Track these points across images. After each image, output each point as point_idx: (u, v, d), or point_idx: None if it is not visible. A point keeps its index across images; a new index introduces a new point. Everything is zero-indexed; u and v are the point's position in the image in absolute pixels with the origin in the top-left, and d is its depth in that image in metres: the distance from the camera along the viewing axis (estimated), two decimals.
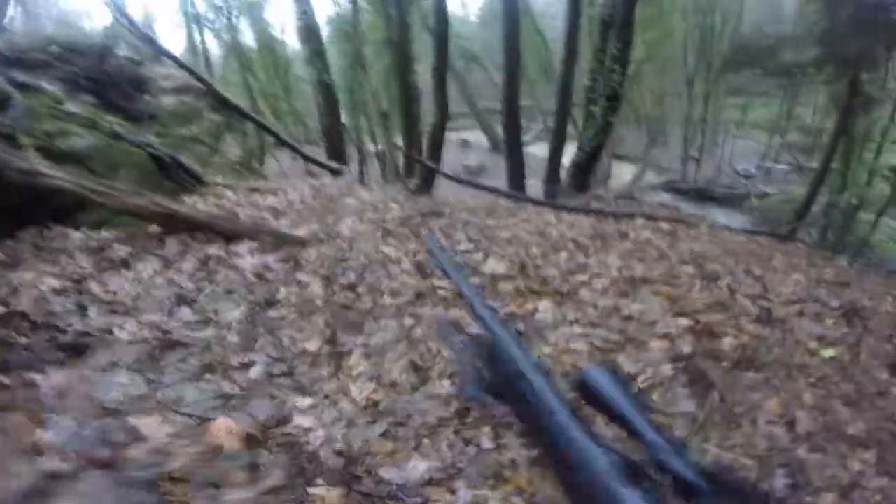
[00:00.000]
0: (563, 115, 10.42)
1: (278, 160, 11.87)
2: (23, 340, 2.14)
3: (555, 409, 1.78)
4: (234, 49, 14.03)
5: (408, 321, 2.54)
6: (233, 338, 2.36)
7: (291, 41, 16.82)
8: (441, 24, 8.94)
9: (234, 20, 14.43)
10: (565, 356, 2.38)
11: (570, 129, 11.54)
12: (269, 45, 16.11)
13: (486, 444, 1.80)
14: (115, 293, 2.76)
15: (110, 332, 2.34)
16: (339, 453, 1.71)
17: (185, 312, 2.56)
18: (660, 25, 14.54)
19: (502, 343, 2.33)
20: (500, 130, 12.62)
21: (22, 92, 4.17)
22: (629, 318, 2.83)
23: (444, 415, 1.94)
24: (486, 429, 1.86)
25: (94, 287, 2.81)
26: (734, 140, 19.16)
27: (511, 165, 10.23)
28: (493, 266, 3.60)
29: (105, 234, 3.45)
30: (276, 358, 2.22)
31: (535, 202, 7.83)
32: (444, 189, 9.79)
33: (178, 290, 2.78)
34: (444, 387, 2.08)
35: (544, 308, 2.92)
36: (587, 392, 1.99)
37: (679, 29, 16.30)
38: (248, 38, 16.28)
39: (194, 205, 4.70)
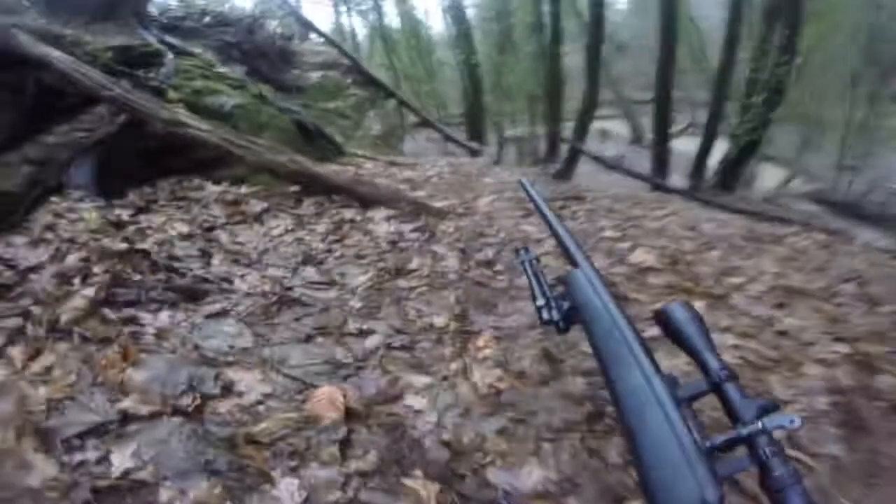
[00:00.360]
0: (718, 106, 9.52)
1: (416, 139, 12.00)
2: (137, 278, 2.06)
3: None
4: (379, 30, 14.28)
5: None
6: (355, 303, 2.13)
7: (435, 24, 16.89)
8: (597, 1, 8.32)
9: (379, 1, 14.71)
10: None
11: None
12: (413, 27, 16.17)
13: (614, 458, 1.43)
14: (242, 245, 2.70)
15: (230, 281, 2.25)
16: (447, 444, 1.42)
17: (310, 272, 2.40)
18: (827, 18, 12.66)
19: None
20: (643, 122, 11.67)
21: (175, 54, 4.34)
22: (783, 333, 2.40)
23: (573, 417, 1.55)
24: (617, 440, 1.46)
25: (223, 237, 2.78)
26: (893, 154, 16.18)
27: (657, 157, 9.47)
28: (642, 257, 3.15)
29: (244, 189, 3.45)
30: (398, 329, 1.94)
31: (686, 195, 6.99)
32: (585, 177, 9.23)
33: (307, 248, 2.64)
34: (578, 385, 1.68)
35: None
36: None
37: (847, 24, 14.05)
38: (392, 20, 16.61)
39: (334, 171, 4.71)
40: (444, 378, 1.67)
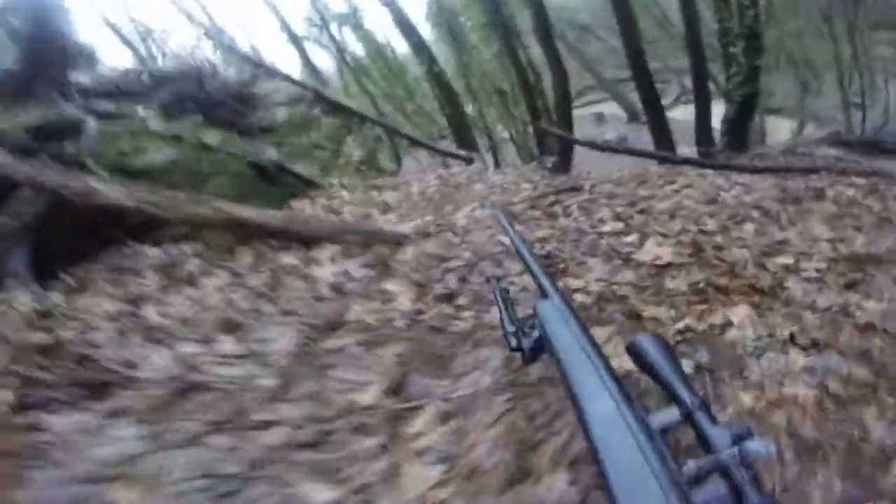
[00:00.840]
0: (699, 66, 8.88)
1: (416, 158, 11.65)
2: (48, 377, 1.81)
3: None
4: (343, 59, 14.17)
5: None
6: (267, 380, 1.63)
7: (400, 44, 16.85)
8: None
9: (334, 33, 14.56)
10: (778, 413, 1.44)
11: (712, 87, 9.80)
12: (378, 50, 16.00)
13: None
14: (165, 315, 2.33)
15: (137, 367, 1.90)
16: None
17: (227, 343, 1.93)
18: None
19: None
20: (634, 98, 11.13)
21: (103, 119, 4.07)
22: (869, 328, 1.80)
23: None
24: None
25: (147, 310, 2.41)
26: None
27: (655, 129, 8.80)
28: (654, 251, 2.55)
29: (184, 247, 3.05)
30: (310, 415, 1.43)
31: (695, 163, 6.38)
32: (587, 164, 8.67)
33: (229, 311, 2.16)
34: (560, 486, 1.12)
35: (741, 318, 1.89)
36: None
37: None
38: (357, 47, 16.53)
39: (303, 209, 4.32)
40: (359, 490, 1.15)
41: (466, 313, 1.92)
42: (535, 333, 0.81)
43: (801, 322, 1.84)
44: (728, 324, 1.86)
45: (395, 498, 1.13)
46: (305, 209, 4.34)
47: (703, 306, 1.98)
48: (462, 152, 8.11)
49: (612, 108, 19.32)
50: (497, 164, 9.13)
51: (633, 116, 17.46)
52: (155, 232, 3.32)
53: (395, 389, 1.48)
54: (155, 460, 1.41)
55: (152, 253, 3.04)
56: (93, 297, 2.62)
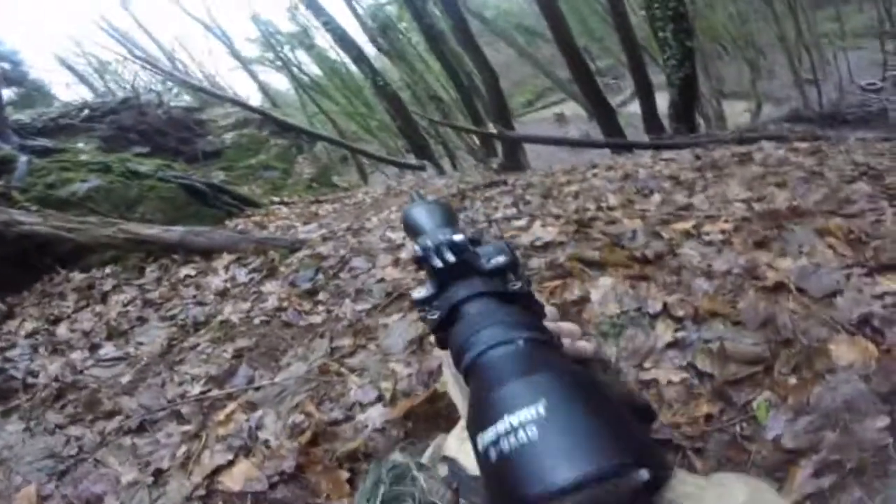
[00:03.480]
0: (633, 56, 8.97)
1: (384, 171, 11.70)
2: None
3: None
4: (297, 81, 14.27)
5: (344, 342, 1.78)
6: (126, 377, 1.81)
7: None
8: None
9: (287, 54, 14.59)
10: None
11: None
12: (332, 68, 16.03)
13: None
14: (73, 331, 2.55)
15: (36, 374, 2.13)
16: None
17: (108, 347, 2.13)
18: None
19: None
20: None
21: (41, 155, 4.32)
22: (780, 288, 1.57)
23: None
24: None
25: (61, 328, 2.64)
26: (847, 54, 15.45)
27: (600, 116, 8.89)
28: (538, 233, 2.50)
29: (106, 270, 3.24)
30: (145, 405, 1.60)
31: (641, 147, 6.56)
32: (546, 160, 8.73)
33: (122, 321, 2.35)
34: (343, 474, 1.27)
35: (603, 292, 1.75)
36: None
37: None
38: (311, 68, 16.62)
39: (235, 227, 4.47)
40: (157, 474, 1.32)
41: (321, 307, 2.09)
42: None
43: (689, 291, 1.66)
44: (585, 299, 1.77)
45: (183, 481, 1.29)
46: (238, 226, 4.52)
47: (558, 282, 1.95)
48: (413, 161, 8.30)
49: (573, 108, 19.53)
50: (456, 169, 9.28)
51: (592, 114, 17.67)
52: (82, 260, 3.51)
53: (222, 381, 1.65)
54: (21, 447, 1.62)
55: (78, 278, 3.24)
56: (18, 321, 2.85)
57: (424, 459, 0.97)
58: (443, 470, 0.90)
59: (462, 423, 0.91)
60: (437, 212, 0.62)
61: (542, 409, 0.28)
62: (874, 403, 1.12)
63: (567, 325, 0.55)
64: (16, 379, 2.10)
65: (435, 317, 0.47)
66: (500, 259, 0.48)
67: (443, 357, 0.54)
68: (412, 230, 0.62)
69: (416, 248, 0.49)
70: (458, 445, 0.92)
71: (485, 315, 0.42)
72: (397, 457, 1.19)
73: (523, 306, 0.46)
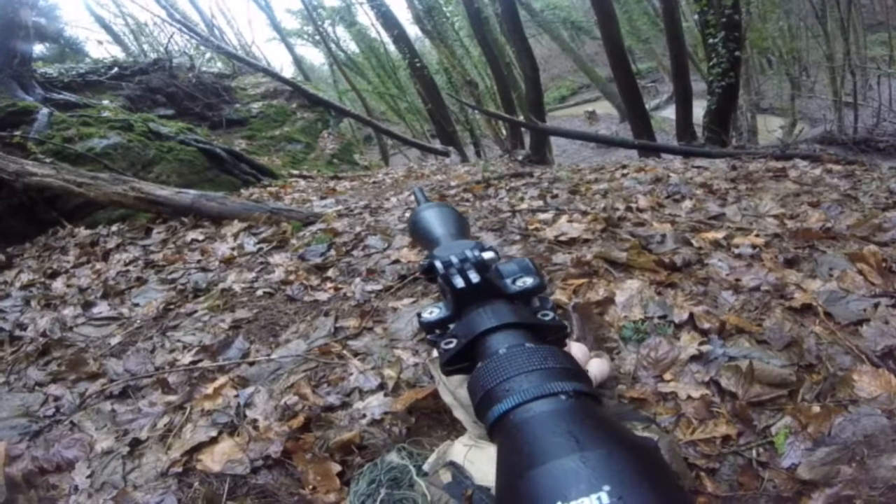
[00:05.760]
0: (678, 53, 8.65)
1: (406, 154, 11.53)
2: None
3: None
4: (333, 56, 14.12)
5: (350, 323, 1.65)
6: (115, 338, 1.71)
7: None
8: None
9: (326, 29, 14.45)
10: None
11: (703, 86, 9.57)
12: (371, 47, 15.82)
13: None
14: (69, 286, 2.47)
15: (25, 327, 2.07)
16: None
17: (103, 307, 2.03)
18: None
19: None
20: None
21: (64, 109, 4.24)
22: (806, 309, 1.50)
23: None
24: None
25: (58, 282, 2.56)
26: (890, 81, 14.83)
27: (634, 118, 8.68)
28: (564, 228, 2.39)
29: (112, 228, 3.16)
30: (131, 371, 1.49)
31: (672, 151, 6.32)
32: (571, 157, 8.57)
33: (120, 281, 2.25)
34: (335, 466, 1.16)
35: (628, 296, 1.66)
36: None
37: None
38: (349, 45, 16.46)
39: (250, 196, 4.38)
40: (134, 444, 1.21)
41: (329, 284, 1.97)
42: None
43: (716, 303, 1.59)
44: (609, 300, 1.66)
45: (160, 455, 1.18)
46: (253, 196, 4.43)
47: (582, 280, 1.85)
48: (439, 147, 8.15)
49: (605, 107, 19.21)
50: (480, 158, 9.10)
51: (625, 115, 17.32)
52: (90, 216, 3.43)
53: (215, 352, 1.53)
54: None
55: (83, 234, 3.17)
56: (15, 272, 2.79)
57: (427, 465, 0.83)
58: (445, 476, 0.76)
59: (471, 430, 0.77)
60: (451, 218, 0.56)
61: (605, 500, 0.23)
62: (893, 440, 1.06)
63: (576, 348, 0.50)
64: (3, 330, 2.05)
65: (451, 346, 0.39)
66: (528, 281, 0.43)
67: (429, 364, 0.48)
68: (423, 237, 0.56)
69: (437, 262, 0.43)
70: (465, 452, 0.79)
71: (517, 355, 0.34)
72: (394, 458, 1.04)
73: (556, 341, 0.39)
